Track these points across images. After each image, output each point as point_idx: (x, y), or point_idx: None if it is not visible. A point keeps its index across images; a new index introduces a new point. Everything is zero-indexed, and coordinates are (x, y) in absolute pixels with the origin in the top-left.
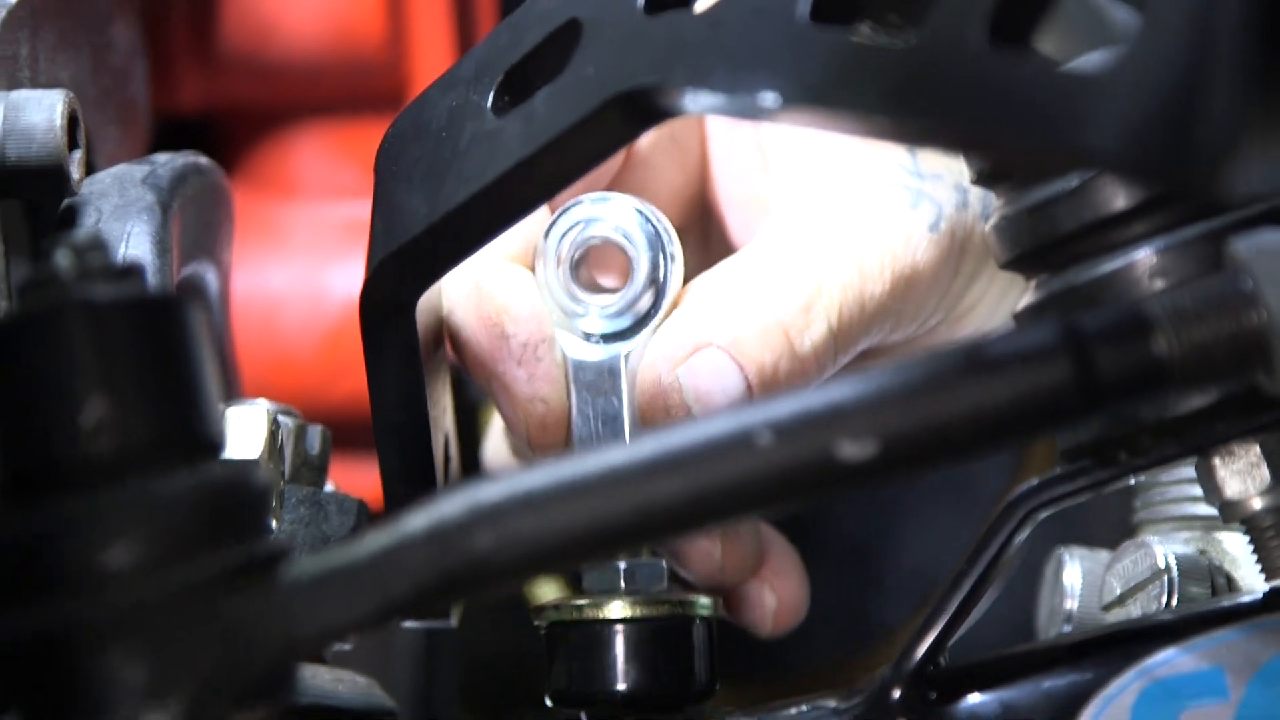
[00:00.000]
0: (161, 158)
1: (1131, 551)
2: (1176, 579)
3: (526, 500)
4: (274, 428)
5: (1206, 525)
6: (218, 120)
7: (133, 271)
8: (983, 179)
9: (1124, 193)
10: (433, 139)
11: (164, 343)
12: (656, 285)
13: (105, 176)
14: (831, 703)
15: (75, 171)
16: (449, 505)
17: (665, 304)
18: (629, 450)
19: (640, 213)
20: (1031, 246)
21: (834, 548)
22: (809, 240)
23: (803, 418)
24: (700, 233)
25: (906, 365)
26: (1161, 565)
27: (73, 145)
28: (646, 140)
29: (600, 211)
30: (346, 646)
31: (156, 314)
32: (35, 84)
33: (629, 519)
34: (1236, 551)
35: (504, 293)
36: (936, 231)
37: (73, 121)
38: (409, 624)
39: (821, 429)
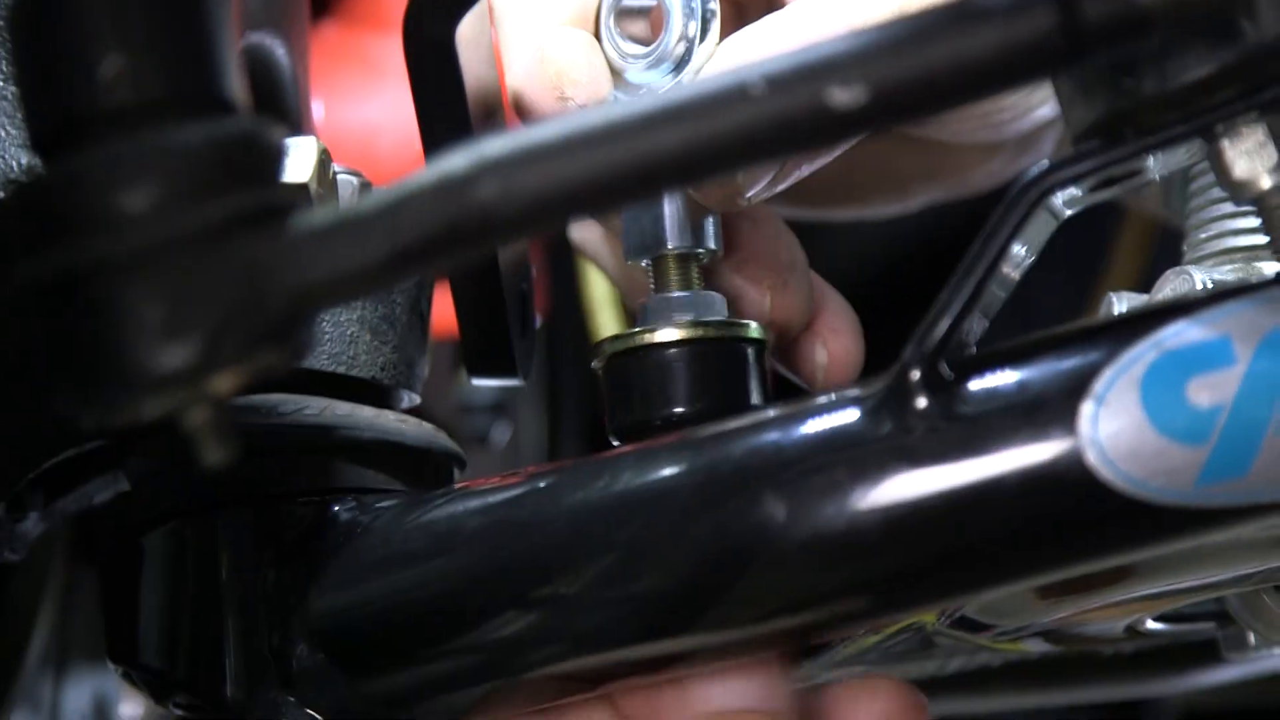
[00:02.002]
0: None
1: (1172, 280)
2: None
3: (529, 152)
4: (324, 157)
5: (1248, 256)
6: None
7: None
8: None
9: None
10: None
11: (180, 5)
12: (688, 39)
13: None
14: (857, 390)
15: None
16: (456, 159)
17: (698, 56)
18: (629, 105)
19: None
20: None
21: None
22: None
23: (796, 68)
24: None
25: (899, 20)
26: (1199, 290)
27: None
28: None
29: None
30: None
31: None
32: None
33: (627, 169)
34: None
35: (563, 56)
36: None
37: None
38: (480, 382)
39: (813, 78)
